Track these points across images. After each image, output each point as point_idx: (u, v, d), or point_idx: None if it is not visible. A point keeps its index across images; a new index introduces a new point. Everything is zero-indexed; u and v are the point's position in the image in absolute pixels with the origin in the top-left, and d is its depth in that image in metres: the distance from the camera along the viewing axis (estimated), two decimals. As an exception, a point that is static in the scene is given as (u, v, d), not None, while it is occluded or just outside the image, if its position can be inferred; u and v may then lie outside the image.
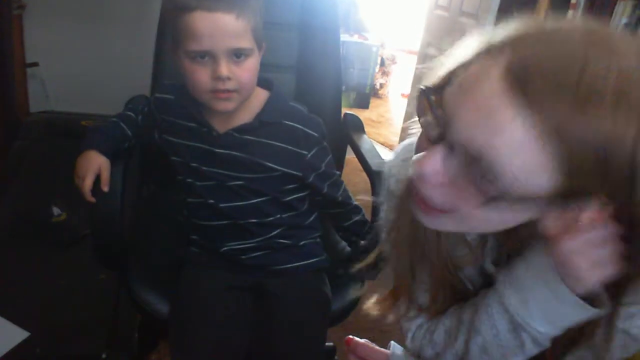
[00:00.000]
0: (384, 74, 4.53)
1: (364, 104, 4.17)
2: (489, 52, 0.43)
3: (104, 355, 1.22)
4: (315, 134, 0.94)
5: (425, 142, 0.47)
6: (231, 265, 0.97)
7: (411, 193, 0.50)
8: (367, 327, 1.67)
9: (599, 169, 0.40)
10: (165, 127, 0.98)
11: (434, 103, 0.45)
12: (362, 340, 0.69)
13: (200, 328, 0.90)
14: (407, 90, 3.23)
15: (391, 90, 4.68)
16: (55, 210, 1.64)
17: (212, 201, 0.95)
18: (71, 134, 2.04)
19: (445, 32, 2.63)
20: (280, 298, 0.95)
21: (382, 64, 4.45)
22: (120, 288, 1.37)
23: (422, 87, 0.47)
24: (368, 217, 1.04)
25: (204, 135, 0.93)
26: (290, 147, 0.93)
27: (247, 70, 0.86)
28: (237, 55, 0.84)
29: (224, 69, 0.82)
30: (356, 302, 1.04)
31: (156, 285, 0.97)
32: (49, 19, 2.23)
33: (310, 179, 0.95)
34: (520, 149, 0.40)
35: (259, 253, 0.97)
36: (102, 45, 2.31)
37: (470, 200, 0.44)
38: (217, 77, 0.83)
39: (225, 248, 0.96)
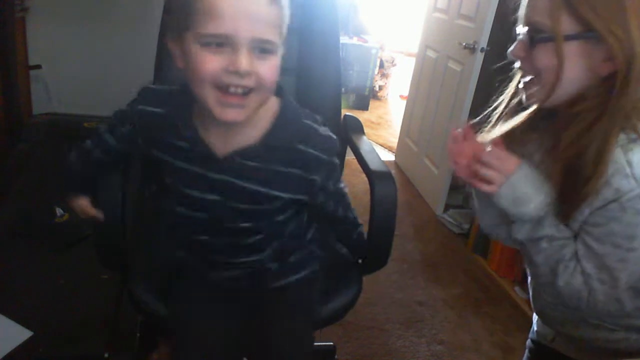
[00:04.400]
0: (383, 76, 4.55)
1: (363, 105, 4.19)
2: None
3: (106, 355, 1.23)
4: (326, 157, 0.81)
5: None
6: (221, 290, 0.93)
7: None
8: (368, 325, 1.69)
9: None
10: (152, 144, 0.82)
11: None
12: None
13: (195, 331, 0.89)
14: (406, 92, 3.24)
15: (390, 92, 4.70)
16: (58, 211, 1.66)
17: (204, 238, 0.86)
18: (74, 135, 2.05)
19: (444, 35, 2.65)
20: (267, 308, 0.91)
21: (382, 66, 4.47)
22: (122, 288, 1.39)
23: None
24: (366, 217, 1.05)
25: (197, 156, 0.78)
26: (300, 173, 0.80)
27: (271, 67, 0.70)
28: (262, 49, 0.68)
29: (245, 60, 0.66)
30: (353, 302, 1.05)
31: (155, 286, 0.98)
32: (52, 22, 2.25)
33: (319, 201, 0.87)
34: None
35: (246, 278, 0.92)
36: (105, 48, 2.32)
37: None
38: (234, 71, 0.67)
39: (214, 276, 0.92)
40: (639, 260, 0.68)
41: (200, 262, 0.92)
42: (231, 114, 0.70)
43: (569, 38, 0.66)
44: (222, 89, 0.68)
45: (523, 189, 0.70)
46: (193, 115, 0.77)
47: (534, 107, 0.75)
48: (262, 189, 0.80)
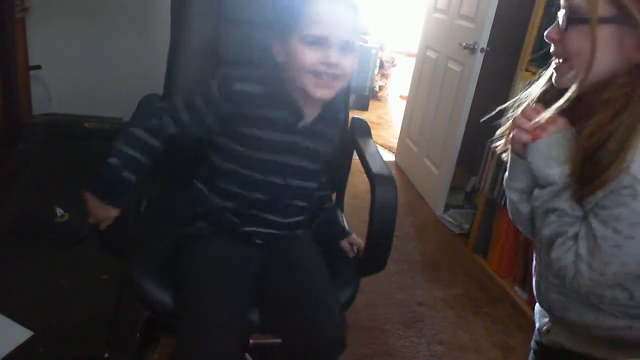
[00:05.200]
0: (383, 76, 4.56)
1: (363, 105, 4.19)
2: None
3: (106, 355, 1.23)
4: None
5: None
6: (243, 245, 1.01)
7: None
8: (368, 325, 1.70)
9: None
10: (239, 119, 0.97)
11: None
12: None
13: (210, 295, 0.90)
14: (406, 92, 3.24)
15: (390, 92, 4.71)
16: (58, 211, 1.65)
17: (259, 196, 1.00)
18: (74, 135, 2.05)
19: (444, 35, 2.65)
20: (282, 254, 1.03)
21: (382, 66, 4.47)
22: (122, 288, 1.39)
23: None
24: (365, 217, 1.05)
25: (287, 126, 0.98)
26: (335, 129, 1.07)
27: (352, 61, 0.93)
28: (347, 48, 0.91)
29: (335, 55, 0.90)
30: (350, 301, 1.05)
31: (157, 274, 0.98)
32: (52, 22, 2.25)
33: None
34: None
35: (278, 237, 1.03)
36: (105, 48, 2.32)
37: None
38: (326, 62, 0.90)
39: (247, 229, 1.01)
40: (633, 251, 0.68)
41: (240, 218, 1.01)
42: (322, 93, 0.93)
43: (603, 21, 0.66)
44: (317, 74, 0.91)
45: (558, 150, 0.72)
46: (289, 93, 0.97)
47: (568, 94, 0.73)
48: (324, 150, 1.04)
